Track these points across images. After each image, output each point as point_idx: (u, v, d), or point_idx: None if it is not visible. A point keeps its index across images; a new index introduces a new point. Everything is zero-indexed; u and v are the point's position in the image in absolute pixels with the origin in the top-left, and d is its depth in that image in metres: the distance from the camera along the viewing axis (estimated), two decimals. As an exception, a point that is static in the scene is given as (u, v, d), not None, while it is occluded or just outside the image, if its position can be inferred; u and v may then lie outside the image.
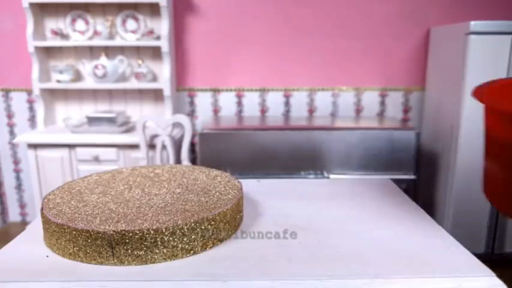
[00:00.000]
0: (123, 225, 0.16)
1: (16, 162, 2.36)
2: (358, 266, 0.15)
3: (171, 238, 0.16)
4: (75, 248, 0.16)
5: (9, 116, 2.30)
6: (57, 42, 2.08)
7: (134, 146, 1.96)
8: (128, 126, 2.09)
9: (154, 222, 0.16)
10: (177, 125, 1.99)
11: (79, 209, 0.18)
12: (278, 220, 0.20)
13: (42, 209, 0.18)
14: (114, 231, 0.16)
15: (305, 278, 0.14)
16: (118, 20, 2.14)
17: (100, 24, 2.10)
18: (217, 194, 0.19)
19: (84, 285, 0.15)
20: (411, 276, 0.15)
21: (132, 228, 0.16)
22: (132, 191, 0.19)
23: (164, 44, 2.03)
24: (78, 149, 1.97)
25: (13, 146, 2.34)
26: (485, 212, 1.90)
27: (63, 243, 0.17)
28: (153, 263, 0.16)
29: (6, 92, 2.27)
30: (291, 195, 0.23)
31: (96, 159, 1.96)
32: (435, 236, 0.18)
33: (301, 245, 0.18)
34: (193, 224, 0.21)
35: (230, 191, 0.19)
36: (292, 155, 1.87)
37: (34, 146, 1.98)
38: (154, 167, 0.23)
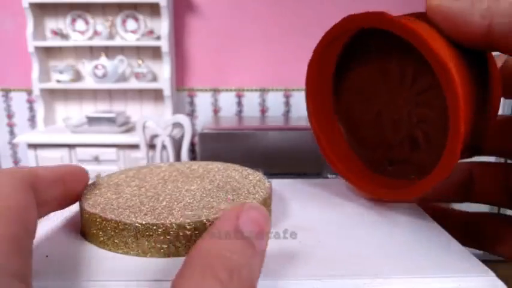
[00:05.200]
0: (149, 218, 0.16)
1: (16, 162, 2.36)
2: (358, 266, 0.15)
3: (193, 233, 0.16)
4: (104, 237, 0.17)
5: (9, 116, 2.30)
6: (57, 42, 2.08)
7: (134, 146, 1.95)
8: (127, 126, 2.09)
9: (179, 216, 0.16)
10: (177, 125, 1.99)
11: (112, 201, 0.18)
12: (278, 220, 0.20)
13: (80, 199, 0.19)
14: (139, 223, 0.16)
15: (305, 278, 0.14)
16: (118, 20, 2.14)
17: (100, 24, 2.11)
18: (245, 192, 0.19)
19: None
20: (411, 276, 0.15)
21: (157, 222, 0.16)
22: (165, 186, 0.20)
23: (164, 44, 2.03)
24: (78, 149, 1.97)
25: (13, 146, 2.34)
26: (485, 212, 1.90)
27: (94, 231, 0.17)
28: (177, 256, 0.16)
29: (6, 92, 2.27)
30: (291, 195, 0.24)
31: (96, 159, 1.96)
32: (435, 235, 0.18)
33: (301, 245, 0.18)
34: (215, 221, 0.21)
35: (259, 190, 0.19)
36: (292, 155, 1.87)
37: (34, 146, 1.98)
38: (191, 163, 0.23)
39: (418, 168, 0.21)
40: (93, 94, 2.25)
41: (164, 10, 2.01)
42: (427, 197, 0.24)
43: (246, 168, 0.26)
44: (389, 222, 0.22)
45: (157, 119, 1.89)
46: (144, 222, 0.18)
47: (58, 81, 2.12)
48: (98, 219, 0.19)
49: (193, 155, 2.26)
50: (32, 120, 2.30)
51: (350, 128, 0.24)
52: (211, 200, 0.21)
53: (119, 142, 1.96)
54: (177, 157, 1.97)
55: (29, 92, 2.25)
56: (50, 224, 0.21)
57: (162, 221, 0.18)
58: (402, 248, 0.19)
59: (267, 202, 0.22)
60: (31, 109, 2.29)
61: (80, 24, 2.15)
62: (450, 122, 0.17)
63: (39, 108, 2.14)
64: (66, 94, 2.25)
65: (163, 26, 2.04)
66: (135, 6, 2.14)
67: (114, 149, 1.97)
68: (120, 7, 2.14)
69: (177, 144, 2.02)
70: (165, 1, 1.98)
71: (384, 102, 0.21)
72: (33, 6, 2.03)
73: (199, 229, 0.19)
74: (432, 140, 0.20)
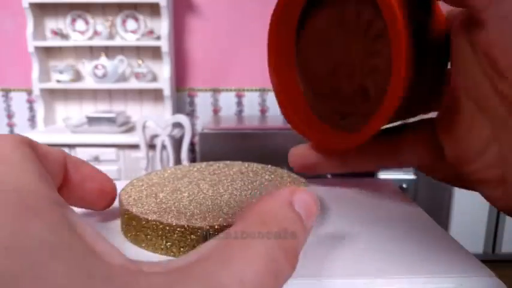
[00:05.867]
0: (186, 220, 0.16)
1: (16, 162, 2.36)
2: (358, 266, 0.15)
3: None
4: (147, 237, 0.17)
5: (9, 116, 2.30)
6: (57, 42, 2.08)
7: (134, 146, 1.95)
8: (127, 126, 2.09)
9: (214, 220, 0.16)
10: (177, 125, 1.99)
11: (151, 203, 0.18)
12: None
13: (120, 199, 0.19)
14: (181, 226, 0.16)
15: (305, 278, 0.14)
16: (118, 20, 2.14)
17: (100, 24, 2.11)
18: None
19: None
20: (411, 276, 0.15)
21: (191, 225, 0.16)
22: (202, 187, 0.19)
23: (164, 44, 2.03)
24: (78, 149, 1.97)
25: (13, 146, 2.33)
26: (485, 212, 1.90)
27: (134, 232, 0.18)
28: None
29: (6, 92, 2.27)
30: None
31: (96, 159, 1.96)
32: (435, 235, 0.18)
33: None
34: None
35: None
36: (292, 155, 1.87)
37: (34, 146, 1.98)
38: (228, 165, 0.23)
39: (367, 120, 0.21)
40: (93, 94, 2.25)
41: (164, 10, 2.01)
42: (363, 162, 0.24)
43: (282, 169, 0.26)
44: (389, 223, 0.22)
45: (157, 119, 1.89)
46: (186, 225, 0.18)
47: (58, 81, 2.12)
48: (137, 221, 0.19)
49: (193, 155, 2.26)
50: (32, 120, 2.30)
51: (307, 81, 0.24)
52: (247, 202, 0.21)
53: (118, 142, 1.96)
54: (177, 157, 1.97)
55: (29, 92, 2.25)
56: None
57: (199, 225, 0.18)
58: (402, 248, 0.19)
59: None
60: (31, 109, 2.29)
61: (80, 24, 2.15)
62: (392, 64, 0.17)
63: (39, 108, 2.14)
64: (66, 94, 2.25)
65: (163, 26, 2.04)
66: (135, 6, 2.14)
67: (114, 149, 1.97)
68: (120, 7, 2.14)
69: (177, 144, 2.02)
70: (165, 1, 1.98)
71: (340, 53, 0.21)
72: (33, 6, 2.03)
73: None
74: (382, 91, 0.20)
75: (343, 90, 0.22)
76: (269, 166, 0.26)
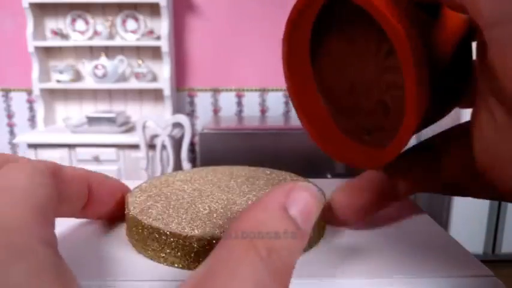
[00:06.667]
0: (189, 229, 0.16)
1: (16, 162, 2.36)
2: (359, 266, 0.15)
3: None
4: (146, 242, 0.17)
5: (9, 116, 2.30)
6: (57, 42, 2.08)
7: (134, 146, 1.95)
8: (127, 126, 2.09)
9: (217, 229, 0.16)
10: (177, 125, 1.99)
11: (157, 207, 0.18)
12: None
13: (127, 206, 0.19)
14: (179, 234, 0.16)
15: (306, 278, 0.14)
16: (118, 20, 2.14)
17: (100, 24, 2.11)
18: None
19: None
20: (411, 276, 0.15)
21: (192, 234, 0.16)
22: (213, 194, 0.19)
23: (164, 44, 2.03)
24: (78, 149, 1.97)
25: (13, 146, 2.33)
26: (485, 212, 1.90)
27: (136, 237, 0.18)
28: None
29: (6, 92, 2.27)
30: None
31: (96, 160, 1.96)
32: (435, 235, 0.18)
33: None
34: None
35: None
36: (292, 155, 1.87)
37: (34, 146, 1.98)
38: (242, 169, 0.23)
39: (393, 135, 0.21)
40: (93, 94, 2.25)
41: (164, 10, 2.01)
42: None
43: (295, 175, 0.26)
44: (389, 223, 0.22)
45: (157, 119, 1.89)
46: (192, 234, 0.18)
47: (58, 81, 2.12)
48: (145, 228, 0.19)
49: (193, 155, 2.26)
50: (32, 120, 2.30)
51: (328, 99, 0.24)
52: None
53: (118, 142, 1.96)
54: (177, 157, 1.97)
55: (29, 92, 2.25)
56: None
57: (209, 235, 0.18)
58: (402, 248, 0.19)
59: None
60: (31, 109, 2.29)
61: (80, 24, 2.15)
62: (405, 85, 0.17)
63: (39, 108, 2.14)
64: (66, 94, 2.25)
65: (163, 26, 2.04)
66: (135, 6, 2.14)
67: (114, 149, 1.97)
68: (120, 7, 2.14)
69: (177, 144, 2.02)
70: (165, 1, 1.98)
71: (355, 71, 0.21)
72: (33, 6, 2.02)
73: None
74: (401, 106, 0.20)
75: (364, 107, 0.22)
76: (287, 173, 0.26)
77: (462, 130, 0.20)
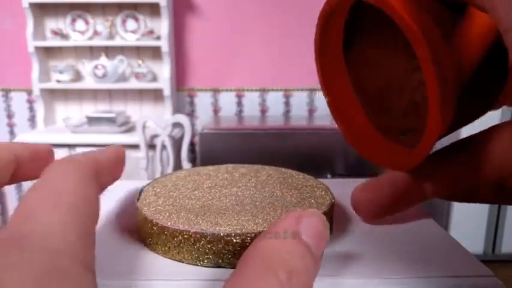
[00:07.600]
0: (196, 226, 0.16)
1: (16, 162, 2.36)
2: (358, 266, 0.15)
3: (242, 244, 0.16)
4: (154, 239, 0.17)
5: (9, 116, 2.30)
6: (57, 42, 2.08)
7: (134, 146, 1.95)
8: (127, 126, 2.09)
9: (239, 226, 0.16)
10: (177, 125, 1.99)
11: (166, 205, 0.18)
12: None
13: (137, 202, 0.19)
14: (187, 231, 0.16)
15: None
16: (118, 20, 2.14)
17: (100, 24, 2.10)
18: (308, 203, 0.18)
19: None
20: (411, 276, 0.15)
21: (212, 232, 0.16)
22: (223, 192, 0.19)
23: (164, 44, 2.03)
24: (78, 149, 1.97)
25: (13, 146, 2.33)
26: (485, 212, 1.90)
27: (145, 233, 0.18)
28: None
29: (6, 92, 2.27)
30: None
31: (96, 159, 1.96)
32: (435, 235, 0.18)
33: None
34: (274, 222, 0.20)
35: (323, 200, 0.19)
36: (293, 155, 1.87)
37: (34, 146, 1.98)
38: (246, 168, 0.23)
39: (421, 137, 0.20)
40: (93, 94, 2.25)
41: (164, 10, 2.01)
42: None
43: (304, 174, 0.26)
44: (389, 223, 0.22)
45: (157, 119, 1.89)
46: (198, 230, 0.18)
47: (58, 81, 2.12)
48: (153, 226, 0.19)
49: (193, 155, 2.26)
50: (32, 120, 2.30)
51: (363, 96, 0.24)
52: (271, 208, 0.21)
53: (118, 142, 1.95)
54: (177, 157, 1.97)
55: (29, 92, 2.25)
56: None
57: (221, 233, 0.18)
58: (402, 248, 0.19)
59: (327, 215, 0.21)
60: (31, 109, 2.29)
61: (80, 24, 2.15)
62: (423, 72, 0.17)
63: (39, 108, 2.14)
64: (66, 94, 2.25)
65: (163, 26, 2.04)
66: (135, 6, 2.14)
67: (114, 149, 1.97)
68: (120, 7, 2.14)
69: (177, 144, 2.02)
70: (165, 1, 1.98)
71: (387, 72, 0.21)
72: (33, 6, 2.02)
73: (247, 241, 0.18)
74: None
75: (398, 106, 0.22)
76: (296, 172, 0.26)
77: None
